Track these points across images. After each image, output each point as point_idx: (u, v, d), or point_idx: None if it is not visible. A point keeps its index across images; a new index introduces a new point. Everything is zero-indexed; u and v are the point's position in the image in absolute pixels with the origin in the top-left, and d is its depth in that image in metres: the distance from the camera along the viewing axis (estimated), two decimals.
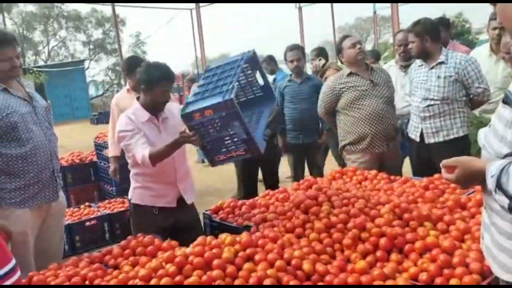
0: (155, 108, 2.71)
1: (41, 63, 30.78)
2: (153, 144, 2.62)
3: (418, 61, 3.53)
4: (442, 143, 3.32)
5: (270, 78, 5.94)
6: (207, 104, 2.23)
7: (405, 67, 4.06)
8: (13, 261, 1.13)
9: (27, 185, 2.54)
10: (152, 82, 2.62)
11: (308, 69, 6.18)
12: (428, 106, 3.32)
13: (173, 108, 2.88)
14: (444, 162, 1.39)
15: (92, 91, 33.02)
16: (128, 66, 3.90)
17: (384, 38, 32.25)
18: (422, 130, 3.40)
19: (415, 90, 3.45)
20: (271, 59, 6.44)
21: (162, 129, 2.75)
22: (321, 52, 5.28)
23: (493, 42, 3.68)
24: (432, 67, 3.33)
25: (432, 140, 3.37)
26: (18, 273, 1.14)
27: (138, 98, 2.79)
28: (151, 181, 2.74)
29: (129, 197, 2.87)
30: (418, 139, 3.44)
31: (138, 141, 2.57)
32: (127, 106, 3.13)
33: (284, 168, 4.82)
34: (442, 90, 3.26)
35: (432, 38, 3.31)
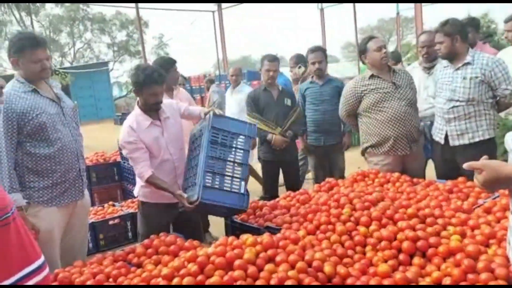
0: (151, 109, 2.85)
1: (67, 64, 31.45)
2: (157, 145, 2.85)
3: (444, 62, 3.46)
4: (467, 146, 3.26)
5: None
6: (222, 203, 2.63)
7: (428, 69, 4.01)
8: (42, 258, 1.17)
9: (54, 184, 2.61)
10: (140, 85, 2.80)
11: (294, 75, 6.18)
12: (453, 107, 3.26)
13: (172, 106, 3.02)
14: (471, 164, 1.37)
15: (115, 92, 33.53)
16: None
17: (407, 39, 31.78)
18: (446, 132, 3.34)
19: (439, 91, 3.39)
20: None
21: (164, 129, 2.90)
22: (300, 59, 5.26)
23: None
24: (458, 68, 3.27)
25: (457, 143, 3.30)
26: (47, 270, 1.17)
27: (138, 102, 2.94)
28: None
29: (136, 194, 3.07)
30: (442, 142, 3.38)
31: (138, 158, 2.81)
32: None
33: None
34: (467, 91, 3.20)
35: (462, 37, 3.25)
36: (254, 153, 5.19)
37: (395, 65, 5.42)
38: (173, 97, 3.80)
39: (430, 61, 4.00)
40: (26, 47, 2.52)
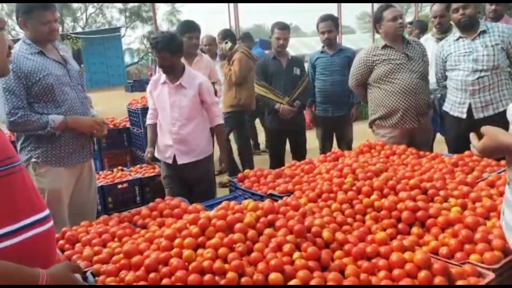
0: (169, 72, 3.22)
1: (78, 29, 31.32)
2: (162, 104, 3.29)
3: (452, 36, 3.40)
4: (492, 117, 3.19)
5: None
6: None
7: (441, 40, 3.93)
8: (48, 211, 1.21)
9: (62, 144, 2.66)
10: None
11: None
12: (478, 78, 3.19)
13: (197, 79, 3.25)
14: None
15: (127, 58, 33.45)
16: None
17: (426, 10, 30.93)
18: (470, 105, 3.27)
19: (456, 64, 3.30)
20: (246, 36, 6.54)
21: (172, 93, 3.22)
22: (227, 35, 5.16)
23: None
24: (475, 38, 3.20)
25: (481, 115, 3.23)
26: (52, 222, 1.22)
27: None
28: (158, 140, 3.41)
29: None
30: (464, 116, 3.31)
31: (149, 105, 3.49)
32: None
33: (311, 140, 4.80)
34: (492, 58, 3.14)
35: (476, 7, 3.20)
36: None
37: (418, 35, 5.27)
38: (192, 64, 3.84)
39: (443, 32, 3.92)
40: (35, 8, 2.52)
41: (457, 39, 3.33)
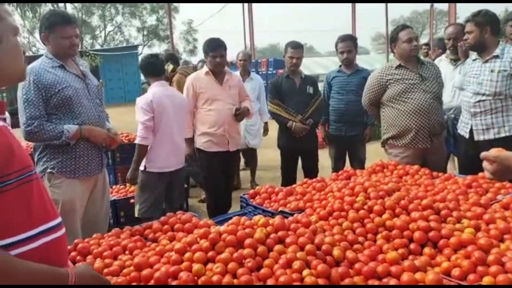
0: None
1: (97, 47, 32.03)
2: None
3: (473, 55, 3.41)
4: (492, 141, 3.19)
5: None
6: None
7: (455, 61, 3.94)
8: (60, 219, 1.24)
9: (78, 156, 2.71)
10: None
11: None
12: (479, 101, 3.20)
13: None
14: (484, 154, 1.37)
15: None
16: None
17: (440, 32, 30.98)
18: (472, 126, 3.28)
19: (467, 84, 3.33)
20: (171, 56, 6.95)
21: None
22: (169, 57, 5.29)
23: None
24: (486, 61, 3.20)
25: (481, 137, 3.23)
26: (64, 230, 1.24)
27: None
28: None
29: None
30: (467, 136, 3.32)
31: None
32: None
33: (323, 159, 4.80)
34: (494, 84, 3.13)
35: (492, 30, 3.18)
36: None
37: (440, 54, 5.26)
38: (223, 83, 3.90)
39: (456, 53, 3.93)
40: (57, 23, 2.62)
41: (474, 60, 3.35)
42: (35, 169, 1.19)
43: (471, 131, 3.29)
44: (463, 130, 3.39)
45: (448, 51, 4.10)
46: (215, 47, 3.84)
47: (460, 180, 2.82)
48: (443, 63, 4.08)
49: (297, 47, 4.28)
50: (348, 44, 4.35)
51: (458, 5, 12.58)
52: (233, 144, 3.96)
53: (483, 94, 3.18)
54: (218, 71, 3.87)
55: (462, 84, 3.45)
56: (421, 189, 2.69)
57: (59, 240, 1.21)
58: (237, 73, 4.61)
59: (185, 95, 3.85)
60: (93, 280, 1.26)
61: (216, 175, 3.96)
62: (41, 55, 2.75)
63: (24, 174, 1.11)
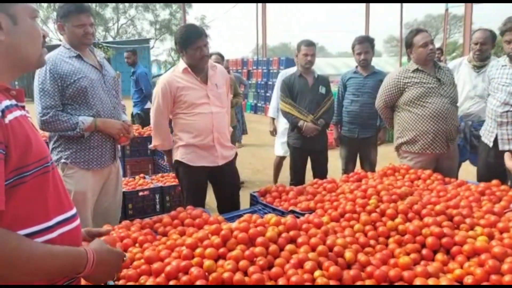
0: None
1: (110, 39, 32.15)
2: None
3: (501, 61, 3.32)
4: None
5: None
6: None
7: (478, 68, 3.87)
8: (75, 210, 1.24)
9: (91, 147, 2.72)
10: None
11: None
12: (507, 111, 3.12)
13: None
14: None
15: (154, 69, 34.07)
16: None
17: (454, 37, 30.74)
18: (497, 135, 3.22)
19: (494, 91, 3.24)
20: (134, 52, 7.41)
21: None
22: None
23: None
24: None
25: (506, 147, 3.14)
26: (78, 221, 1.24)
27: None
28: None
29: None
30: (491, 144, 3.25)
31: None
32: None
33: (333, 159, 4.76)
34: None
35: None
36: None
37: (439, 57, 5.19)
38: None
39: (481, 59, 3.86)
40: (71, 12, 2.63)
41: (504, 66, 3.25)
42: (51, 160, 1.18)
43: (495, 140, 3.23)
44: (487, 138, 3.31)
45: (470, 55, 4.03)
46: (198, 34, 2.99)
47: (473, 187, 2.80)
48: (464, 67, 4.02)
49: (310, 45, 4.27)
50: (365, 46, 4.32)
51: (475, 9, 12.43)
52: (222, 158, 3.18)
53: None
54: (202, 67, 3.07)
55: (485, 90, 3.37)
56: (433, 194, 2.67)
57: (74, 231, 1.21)
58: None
59: (156, 101, 3.09)
60: (109, 253, 1.26)
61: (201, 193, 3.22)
62: (54, 45, 2.75)
63: (41, 166, 1.11)
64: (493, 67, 3.37)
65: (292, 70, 4.85)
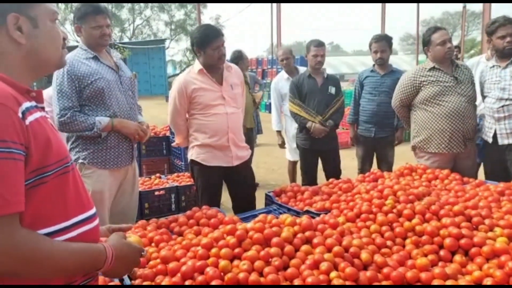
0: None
1: (125, 40, 32.49)
2: None
3: (489, 63, 3.40)
4: None
5: None
6: None
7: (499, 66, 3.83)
8: (94, 209, 1.25)
9: (109, 147, 2.75)
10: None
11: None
12: (503, 106, 3.19)
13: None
14: None
15: (169, 70, 34.33)
16: None
17: (472, 35, 30.24)
18: (495, 131, 3.24)
19: (488, 91, 3.32)
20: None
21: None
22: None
23: None
24: (506, 66, 3.17)
25: (506, 142, 3.22)
26: (97, 220, 1.26)
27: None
28: None
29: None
30: (490, 140, 3.29)
31: None
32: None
33: (348, 159, 4.72)
34: None
35: None
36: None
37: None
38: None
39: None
40: (88, 14, 2.66)
41: (492, 67, 3.34)
42: (71, 160, 1.20)
43: (494, 136, 3.27)
44: (486, 135, 3.38)
45: (488, 53, 3.97)
46: (217, 34, 2.99)
47: (492, 187, 2.75)
48: (481, 65, 3.97)
49: (320, 45, 4.23)
50: (383, 44, 4.27)
51: (493, 6, 12.20)
52: (237, 158, 3.16)
53: (507, 99, 3.16)
54: (219, 66, 3.07)
55: (482, 91, 3.43)
56: (451, 194, 2.63)
57: (93, 231, 1.22)
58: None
59: (173, 101, 3.11)
60: (128, 248, 1.27)
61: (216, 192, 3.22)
62: (71, 46, 2.79)
63: (61, 166, 1.12)
64: (482, 72, 3.46)
65: (281, 76, 5.10)
